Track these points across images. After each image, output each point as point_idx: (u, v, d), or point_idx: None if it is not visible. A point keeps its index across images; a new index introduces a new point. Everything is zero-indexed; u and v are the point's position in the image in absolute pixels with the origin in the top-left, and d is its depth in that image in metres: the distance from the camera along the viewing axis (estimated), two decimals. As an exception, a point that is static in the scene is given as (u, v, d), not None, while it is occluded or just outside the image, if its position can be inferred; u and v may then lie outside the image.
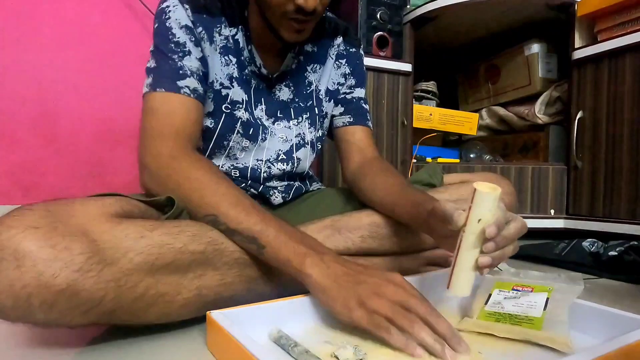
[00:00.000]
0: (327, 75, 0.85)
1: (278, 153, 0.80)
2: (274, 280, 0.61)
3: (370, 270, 0.52)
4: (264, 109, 0.78)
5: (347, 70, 0.87)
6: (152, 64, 0.67)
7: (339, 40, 0.86)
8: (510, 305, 0.55)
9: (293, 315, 0.53)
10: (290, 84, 0.81)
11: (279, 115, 0.80)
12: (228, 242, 0.56)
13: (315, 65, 0.83)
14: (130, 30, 1.52)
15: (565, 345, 0.47)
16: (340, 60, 0.86)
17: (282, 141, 0.80)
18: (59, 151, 1.43)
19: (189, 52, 0.68)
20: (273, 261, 0.55)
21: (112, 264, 0.45)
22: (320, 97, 0.84)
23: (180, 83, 0.65)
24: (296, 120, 0.82)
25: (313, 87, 0.83)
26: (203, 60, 0.70)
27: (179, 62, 0.66)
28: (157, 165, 0.61)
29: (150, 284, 0.48)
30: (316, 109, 0.84)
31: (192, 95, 0.66)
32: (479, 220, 0.47)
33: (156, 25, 0.69)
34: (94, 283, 0.43)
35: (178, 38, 0.67)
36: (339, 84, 0.87)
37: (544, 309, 0.52)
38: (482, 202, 0.47)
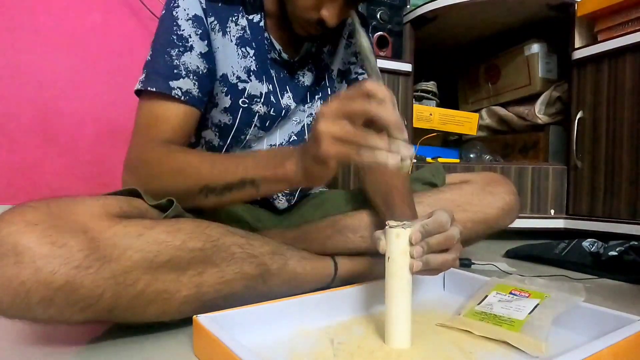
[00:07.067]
0: (339, 55, 0.84)
1: (290, 135, 0.79)
2: (273, 280, 0.61)
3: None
4: (291, 97, 0.77)
5: (358, 49, 0.86)
6: (149, 57, 0.65)
7: (349, 19, 0.85)
8: (500, 307, 0.55)
9: (280, 319, 0.53)
10: (313, 68, 0.80)
11: (307, 100, 0.80)
12: (225, 239, 0.56)
13: (329, 47, 0.82)
14: (130, 30, 1.52)
15: (536, 349, 0.45)
16: (350, 39, 0.85)
17: (295, 124, 0.79)
18: (59, 151, 1.43)
19: (191, 48, 0.64)
20: (268, 184, 0.54)
21: (111, 261, 0.45)
22: (333, 77, 0.84)
23: (173, 84, 0.62)
24: (310, 102, 0.81)
25: (328, 67, 0.83)
26: (208, 55, 0.66)
27: (176, 60, 0.63)
28: (143, 169, 0.60)
29: (149, 281, 0.48)
30: (329, 89, 0.83)
31: (183, 98, 0.63)
32: (388, 258, 0.48)
33: (163, 12, 0.65)
34: (93, 280, 0.43)
35: (182, 31, 0.64)
36: (349, 62, 0.86)
37: (530, 313, 0.52)
38: (388, 239, 0.48)
